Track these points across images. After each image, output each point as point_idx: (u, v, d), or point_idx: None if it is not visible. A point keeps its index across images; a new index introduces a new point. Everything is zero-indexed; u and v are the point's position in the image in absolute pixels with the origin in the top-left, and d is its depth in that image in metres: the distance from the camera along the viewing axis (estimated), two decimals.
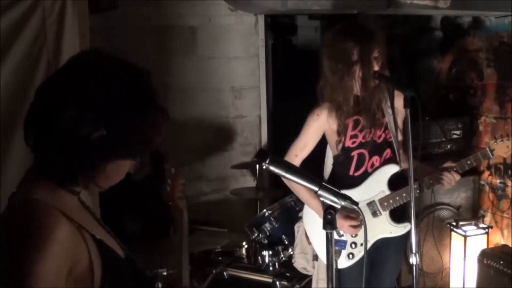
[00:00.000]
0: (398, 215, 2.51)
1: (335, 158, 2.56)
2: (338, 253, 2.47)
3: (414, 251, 2.22)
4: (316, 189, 1.39)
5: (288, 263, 3.06)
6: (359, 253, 2.51)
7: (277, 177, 1.43)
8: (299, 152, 2.52)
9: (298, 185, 1.66)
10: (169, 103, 3.20)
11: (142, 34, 3.77)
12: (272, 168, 1.40)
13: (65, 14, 2.34)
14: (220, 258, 3.24)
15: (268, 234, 3.14)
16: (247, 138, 4.16)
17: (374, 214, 2.51)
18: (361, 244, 2.50)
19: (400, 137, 2.53)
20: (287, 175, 1.40)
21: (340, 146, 2.49)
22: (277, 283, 2.94)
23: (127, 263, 1.32)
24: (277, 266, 3.07)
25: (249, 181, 4.13)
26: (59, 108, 1.12)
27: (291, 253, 3.02)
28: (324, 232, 1.42)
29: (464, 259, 3.59)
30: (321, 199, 1.40)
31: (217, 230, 3.64)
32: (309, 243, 2.66)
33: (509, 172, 3.86)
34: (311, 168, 2.40)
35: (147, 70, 1.21)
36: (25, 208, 1.11)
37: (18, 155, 2.27)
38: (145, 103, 1.18)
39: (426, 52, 4.56)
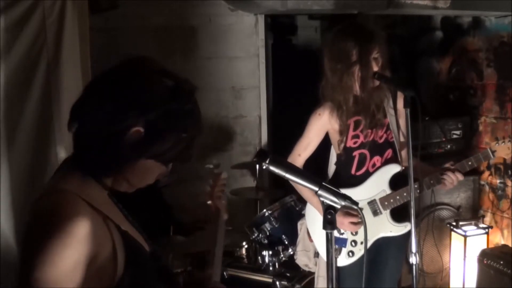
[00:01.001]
0: (399, 215, 2.52)
1: (338, 157, 2.58)
2: (339, 251, 2.48)
3: (414, 251, 2.22)
4: (316, 189, 1.39)
5: (288, 263, 3.06)
6: (359, 251, 2.52)
7: (277, 177, 1.43)
8: (302, 152, 2.54)
9: None
10: None
11: (142, 34, 3.78)
12: (272, 168, 1.40)
13: (65, 14, 2.35)
14: None
15: (268, 234, 3.14)
16: (247, 138, 4.16)
17: (375, 213, 2.51)
18: (361, 243, 2.51)
19: (402, 138, 2.54)
20: (287, 175, 1.40)
21: (341, 145, 2.51)
22: (277, 283, 2.95)
23: (152, 258, 1.35)
24: (277, 266, 3.08)
25: (249, 181, 4.12)
26: (103, 102, 1.20)
27: (291, 253, 3.02)
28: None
29: (464, 259, 3.59)
30: (321, 199, 1.40)
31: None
32: (311, 240, 2.68)
33: (509, 172, 3.87)
34: (314, 167, 2.41)
35: (191, 82, 1.28)
36: (51, 197, 1.17)
37: (18, 155, 2.28)
38: (184, 113, 1.25)
39: (426, 52, 4.56)
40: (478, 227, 3.65)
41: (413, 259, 2.22)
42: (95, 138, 1.20)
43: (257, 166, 3.66)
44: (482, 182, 4.07)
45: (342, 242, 2.49)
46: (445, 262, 3.80)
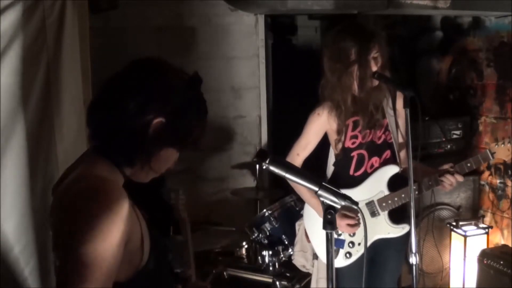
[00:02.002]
0: (397, 216, 2.52)
1: (336, 158, 2.58)
2: (336, 252, 2.48)
3: (414, 251, 2.22)
4: (316, 189, 1.39)
5: (288, 263, 3.06)
6: (357, 252, 2.51)
7: (277, 177, 1.44)
8: (301, 151, 2.54)
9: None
10: None
11: (142, 34, 3.77)
12: (272, 168, 1.40)
13: (65, 14, 2.34)
14: (220, 258, 3.24)
15: (268, 234, 3.14)
16: (247, 138, 4.16)
17: (373, 214, 2.51)
18: (359, 244, 2.51)
19: (400, 139, 2.53)
20: (287, 175, 1.41)
21: (340, 146, 2.51)
22: (277, 283, 2.95)
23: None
24: (277, 266, 3.08)
25: (249, 181, 4.12)
26: (129, 96, 1.29)
27: (291, 252, 3.02)
28: (323, 231, 1.42)
29: (464, 259, 3.59)
30: (321, 199, 1.40)
31: (217, 230, 3.64)
32: (309, 241, 2.67)
33: (509, 172, 3.86)
34: (313, 168, 2.41)
35: (198, 73, 1.40)
36: (90, 180, 1.24)
37: (18, 155, 2.27)
38: (199, 104, 1.38)
39: (426, 52, 4.56)
40: (478, 227, 3.65)
41: (413, 259, 2.22)
42: (122, 129, 1.28)
43: (257, 166, 3.66)
44: (482, 182, 4.07)
45: (339, 243, 2.49)
46: (445, 262, 3.80)
